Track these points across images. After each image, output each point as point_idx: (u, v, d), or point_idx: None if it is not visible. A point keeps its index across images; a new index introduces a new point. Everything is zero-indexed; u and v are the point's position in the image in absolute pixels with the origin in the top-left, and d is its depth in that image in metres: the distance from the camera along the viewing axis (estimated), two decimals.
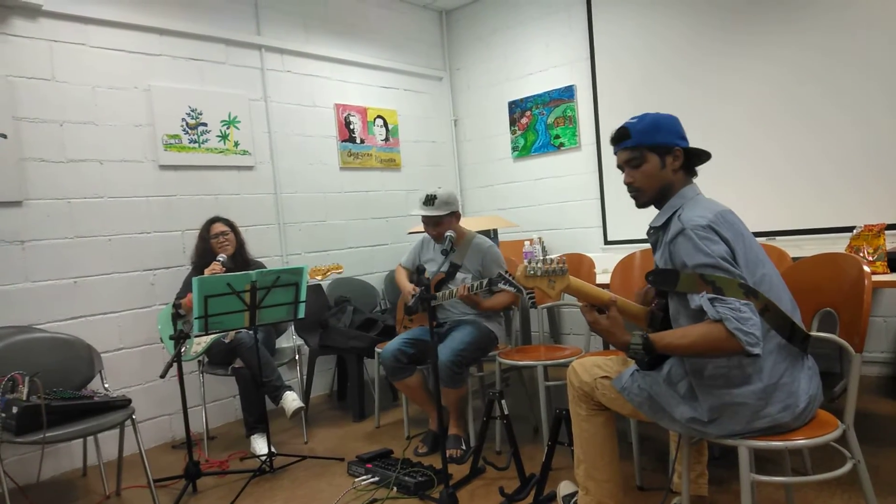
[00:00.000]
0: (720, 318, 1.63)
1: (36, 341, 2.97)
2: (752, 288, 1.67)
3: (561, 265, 1.84)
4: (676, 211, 1.86)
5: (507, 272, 2.94)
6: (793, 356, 1.76)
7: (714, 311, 1.65)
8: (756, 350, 1.62)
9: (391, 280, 4.87)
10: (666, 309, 1.89)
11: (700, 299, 1.68)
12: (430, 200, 3.21)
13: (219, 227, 3.69)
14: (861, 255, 2.74)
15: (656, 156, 1.89)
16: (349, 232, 4.86)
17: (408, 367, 3.20)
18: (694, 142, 1.94)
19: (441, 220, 3.24)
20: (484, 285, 3.03)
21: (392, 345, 3.22)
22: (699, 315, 1.71)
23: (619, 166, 1.97)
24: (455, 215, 3.29)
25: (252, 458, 3.32)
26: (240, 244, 3.76)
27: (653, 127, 1.90)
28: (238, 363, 3.40)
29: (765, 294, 1.72)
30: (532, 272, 1.85)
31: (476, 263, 3.30)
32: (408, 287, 3.41)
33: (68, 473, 3.40)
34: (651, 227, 1.96)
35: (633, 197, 1.97)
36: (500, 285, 2.95)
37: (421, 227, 3.48)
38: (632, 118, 1.94)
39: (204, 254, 3.66)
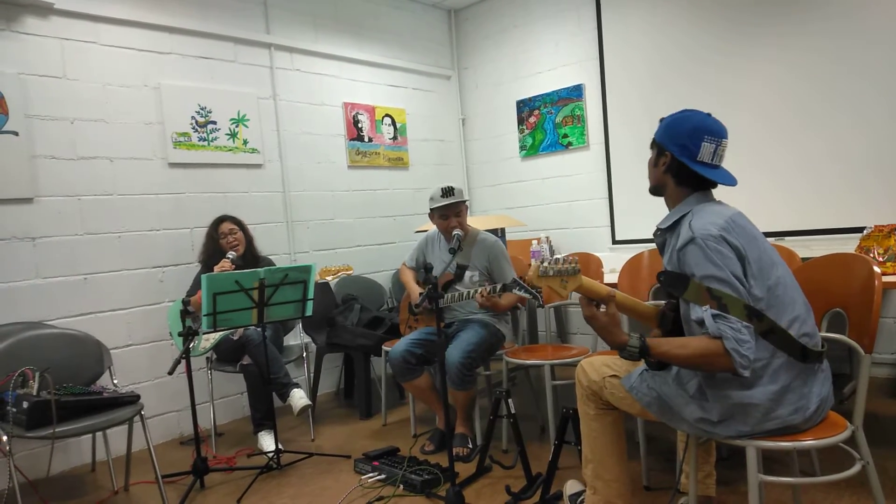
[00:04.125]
0: (720, 335, 1.64)
1: (46, 337, 2.99)
2: (755, 310, 1.68)
3: (573, 265, 1.83)
4: (685, 216, 1.84)
5: (521, 277, 2.91)
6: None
7: (715, 327, 1.65)
8: (745, 373, 1.65)
9: (398, 279, 4.88)
10: (676, 309, 1.88)
11: (703, 312, 1.68)
12: (450, 191, 3.22)
13: (227, 227, 3.70)
14: (871, 255, 2.73)
15: (655, 151, 1.97)
16: (357, 230, 4.87)
17: (416, 368, 3.21)
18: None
19: (462, 208, 3.27)
20: (498, 290, 3.00)
21: (400, 346, 3.22)
22: (700, 326, 1.70)
23: None
24: (467, 204, 3.35)
25: (259, 454, 3.33)
26: (248, 241, 3.77)
27: (667, 125, 1.93)
28: (246, 360, 3.42)
29: (779, 297, 1.72)
30: (544, 272, 1.84)
31: (483, 260, 3.30)
32: (416, 290, 3.40)
33: (77, 468, 3.42)
34: (658, 229, 1.96)
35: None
36: (515, 291, 2.87)
37: (427, 226, 3.48)
38: (678, 111, 1.95)
39: (213, 253, 3.67)
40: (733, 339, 1.62)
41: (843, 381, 3.42)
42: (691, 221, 1.79)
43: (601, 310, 1.85)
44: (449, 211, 3.24)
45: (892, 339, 3.79)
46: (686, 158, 1.85)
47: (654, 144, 1.97)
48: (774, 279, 1.74)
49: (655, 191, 2.01)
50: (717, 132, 1.85)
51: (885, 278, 2.52)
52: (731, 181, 1.87)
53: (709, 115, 1.90)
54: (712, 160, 1.85)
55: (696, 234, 1.74)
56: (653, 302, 2.68)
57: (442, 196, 3.23)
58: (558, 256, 1.86)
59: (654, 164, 1.97)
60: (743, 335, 1.63)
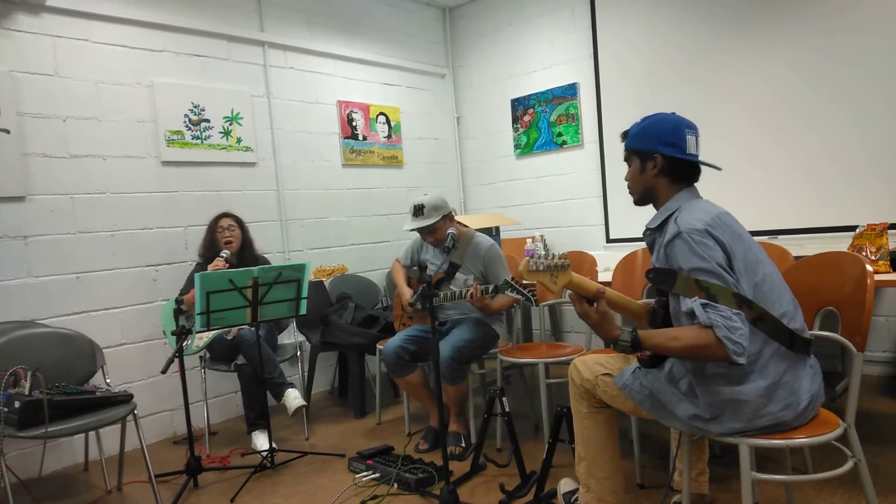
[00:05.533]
0: (711, 324, 1.65)
1: (38, 336, 2.97)
2: (745, 298, 1.69)
3: (563, 260, 1.85)
4: (673, 214, 1.86)
5: (513, 278, 2.86)
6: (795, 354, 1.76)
7: (706, 316, 1.66)
8: (741, 360, 1.65)
9: (391, 277, 4.87)
10: (666, 306, 1.89)
11: (692, 303, 1.69)
12: (418, 211, 3.14)
13: (226, 222, 3.72)
14: (864, 254, 2.74)
15: (638, 160, 1.97)
16: (351, 229, 4.86)
17: (409, 364, 3.20)
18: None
19: (435, 228, 3.18)
20: (489, 291, 2.95)
21: (394, 342, 3.22)
22: (691, 317, 1.71)
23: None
24: (448, 218, 3.22)
25: (253, 453, 3.32)
26: (246, 242, 3.77)
27: (642, 132, 1.95)
28: (240, 359, 3.41)
29: (766, 294, 1.73)
30: (534, 267, 1.86)
31: (477, 264, 3.27)
32: (406, 290, 3.40)
33: (70, 468, 3.41)
34: (647, 228, 1.97)
35: (629, 193, 2.06)
36: (507, 293, 2.82)
37: None
38: (639, 120, 1.99)
39: (210, 246, 3.69)
40: (724, 326, 1.63)
41: (835, 379, 3.44)
42: (677, 217, 1.82)
43: (593, 307, 1.86)
44: (420, 231, 3.22)
45: (884, 338, 3.81)
46: (678, 153, 1.89)
47: (634, 154, 1.97)
48: (761, 276, 1.76)
49: (643, 200, 2.01)
50: (691, 125, 1.93)
51: (877, 276, 2.52)
52: (716, 165, 1.93)
53: (673, 113, 1.96)
54: (696, 150, 1.92)
55: (681, 228, 1.76)
56: (643, 300, 2.68)
57: (413, 216, 3.17)
58: (548, 252, 1.88)
59: (640, 172, 1.96)
60: (734, 322, 1.64)
